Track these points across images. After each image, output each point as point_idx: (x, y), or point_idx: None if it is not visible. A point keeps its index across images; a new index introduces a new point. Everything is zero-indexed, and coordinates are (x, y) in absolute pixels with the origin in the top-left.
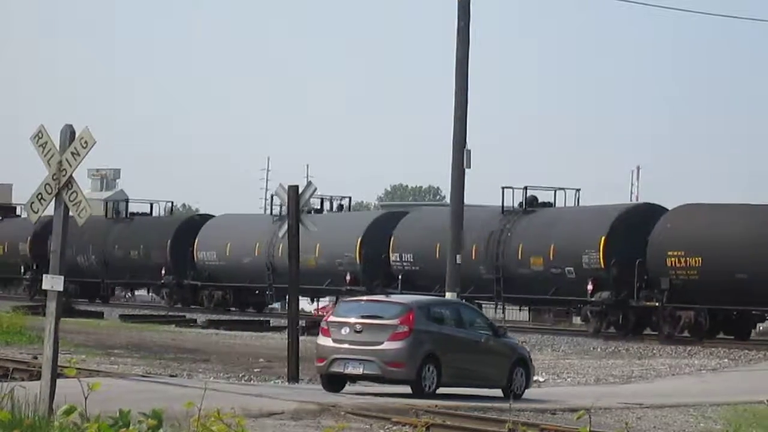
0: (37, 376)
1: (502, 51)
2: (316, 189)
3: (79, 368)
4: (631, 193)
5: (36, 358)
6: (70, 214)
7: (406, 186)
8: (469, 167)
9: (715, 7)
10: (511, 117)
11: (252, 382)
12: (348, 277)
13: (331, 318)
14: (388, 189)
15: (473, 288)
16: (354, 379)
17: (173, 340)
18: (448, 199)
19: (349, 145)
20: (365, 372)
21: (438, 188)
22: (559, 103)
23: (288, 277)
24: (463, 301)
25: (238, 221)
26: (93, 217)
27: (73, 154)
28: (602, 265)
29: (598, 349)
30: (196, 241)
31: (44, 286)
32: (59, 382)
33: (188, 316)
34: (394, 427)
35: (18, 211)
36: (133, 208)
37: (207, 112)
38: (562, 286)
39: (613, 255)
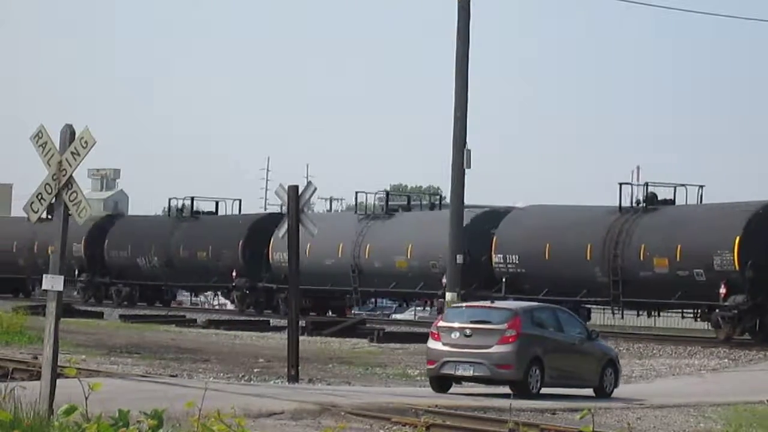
0: (37, 376)
1: (502, 51)
2: (316, 189)
3: (79, 368)
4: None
5: (36, 358)
6: (70, 213)
7: (406, 186)
8: (469, 167)
9: (715, 7)
10: (511, 117)
11: (252, 382)
12: (444, 280)
13: (441, 323)
14: (388, 189)
15: (586, 291)
16: (462, 380)
17: (173, 340)
18: (448, 200)
19: (349, 145)
20: (475, 374)
21: (438, 188)
22: (559, 104)
23: (289, 277)
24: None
25: (318, 220)
26: (157, 216)
27: (73, 154)
28: (736, 267)
29: None
30: (272, 241)
31: (44, 286)
32: (59, 382)
33: (188, 315)
34: (394, 427)
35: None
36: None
37: (207, 112)
38: (689, 290)
39: (749, 256)
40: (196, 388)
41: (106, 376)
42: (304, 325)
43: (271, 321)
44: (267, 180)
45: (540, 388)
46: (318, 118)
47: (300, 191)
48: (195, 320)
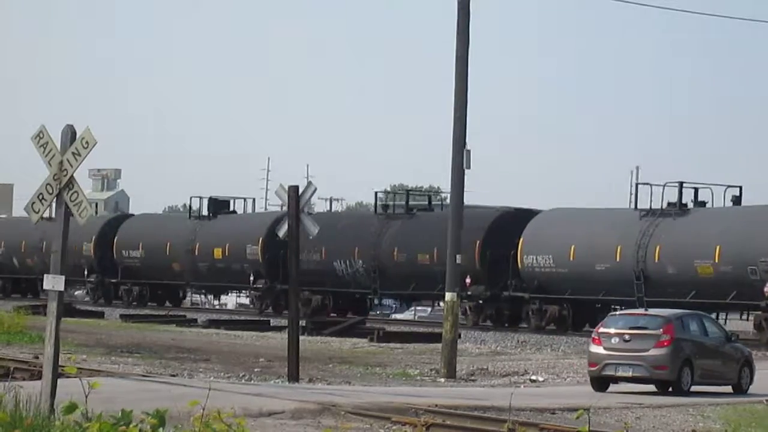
0: (38, 376)
1: (502, 51)
2: (316, 189)
3: (80, 368)
4: (630, 193)
5: (37, 357)
6: (71, 213)
7: (406, 186)
8: (469, 167)
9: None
10: (510, 117)
11: (252, 381)
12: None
13: (602, 329)
14: (388, 189)
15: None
16: (621, 380)
17: (174, 340)
18: (448, 200)
19: (350, 145)
20: (634, 374)
21: (438, 188)
22: (559, 103)
23: (289, 277)
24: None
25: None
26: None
27: (74, 154)
28: None
29: None
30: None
31: (45, 286)
32: (60, 381)
33: (189, 315)
34: (394, 427)
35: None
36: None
37: (207, 112)
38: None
39: None
40: (196, 387)
41: (107, 375)
42: (304, 324)
43: (271, 321)
44: (267, 180)
45: (690, 387)
46: (318, 118)
47: (300, 191)
48: (195, 320)
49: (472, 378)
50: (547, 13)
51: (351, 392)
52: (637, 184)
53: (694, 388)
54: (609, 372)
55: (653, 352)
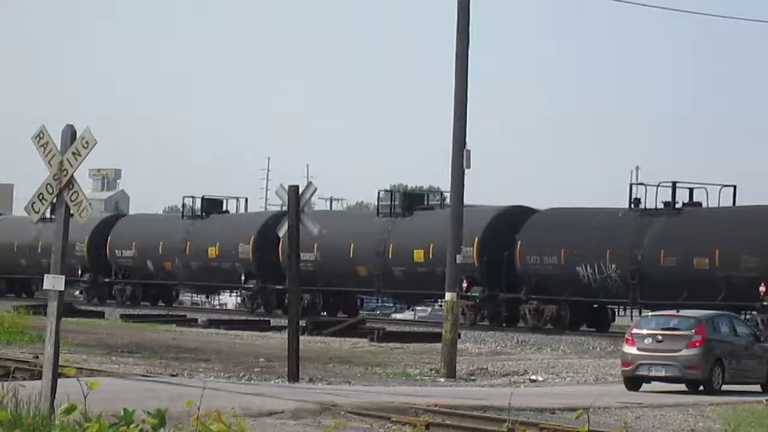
0: (38, 376)
1: (503, 51)
2: (316, 189)
3: (80, 368)
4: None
5: (37, 357)
6: (71, 213)
7: (406, 186)
8: (469, 167)
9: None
10: (510, 118)
11: (252, 381)
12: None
13: (635, 330)
14: (388, 189)
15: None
16: (654, 380)
17: (174, 340)
18: (448, 200)
19: (349, 145)
20: (667, 374)
21: (438, 188)
22: (559, 103)
23: (289, 277)
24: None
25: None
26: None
27: (74, 154)
28: None
29: (597, 349)
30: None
31: (45, 286)
32: (60, 381)
33: (189, 315)
34: (394, 427)
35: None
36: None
37: (207, 111)
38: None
39: None
40: (197, 387)
41: (107, 375)
42: (304, 324)
43: (271, 321)
44: (267, 180)
45: (721, 386)
46: (318, 118)
47: (300, 191)
48: (196, 320)
49: (472, 378)
50: (547, 13)
51: (351, 392)
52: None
53: (724, 387)
54: (642, 372)
55: (685, 352)
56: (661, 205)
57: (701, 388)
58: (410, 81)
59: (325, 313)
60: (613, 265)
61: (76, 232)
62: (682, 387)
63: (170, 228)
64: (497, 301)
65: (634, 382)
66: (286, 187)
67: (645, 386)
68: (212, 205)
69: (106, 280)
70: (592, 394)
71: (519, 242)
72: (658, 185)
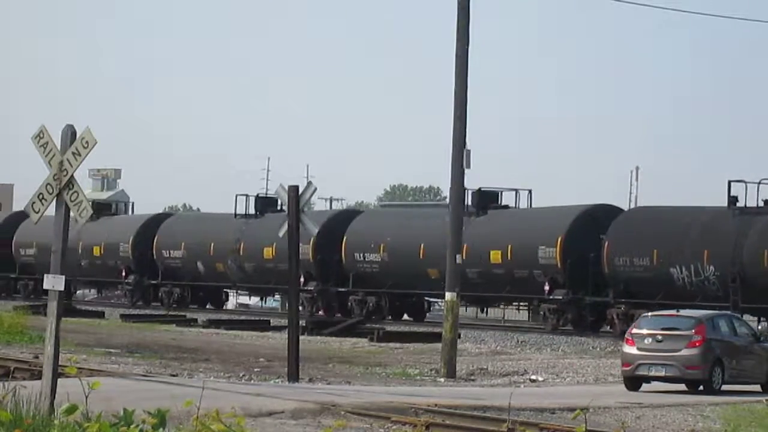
0: (38, 376)
1: (502, 52)
2: (316, 189)
3: (80, 368)
4: (630, 193)
5: (37, 357)
6: (71, 214)
7: (406, 186)
8: (469, 167)
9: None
10: (510, 117)
11: (252, 381)
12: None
13: (635, 330)
14: (388, 189)
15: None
16: (654, 380)
17: (174, 340)
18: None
19: (349, 145)
20: (667, 374)
21: (438, 188)
22: (558, 103)
23: (289, 277)
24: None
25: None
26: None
27: (74, 154)
28: None
29: (597, 349)
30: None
31: (45, 286)
32: (60, 381)
33: (189, 315)
34: (394, 427)
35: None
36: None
37: (207, 111)
38: None
39: None
40: (196, 387)
41: (107, 375)
42: (304, 324)
43: (271, 321)
44: (267, 180)
45: (721, 386)
46: (318, 118)
47: (300, 191)
48: (196, 320)
49: (472, 378)
50: (547, 13)
51: (351, 392)
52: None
53: (724, 387)
54: (642, 372)
55: (685, 352)
56: (761, 203)
57: (701, 388)
58: (410, 81)
59: (390, 317)
60: (712, 267)
61: (120, 232)
62: (682, 387)
63: (222, 228)
64: (582, 304)
65: (634, 382)
66: (286, 187)
67: (645, 386)
68: (267, 204)
69: (153, 282)
70: (592, 394)
71: (606, 242)
72: (759, 182)
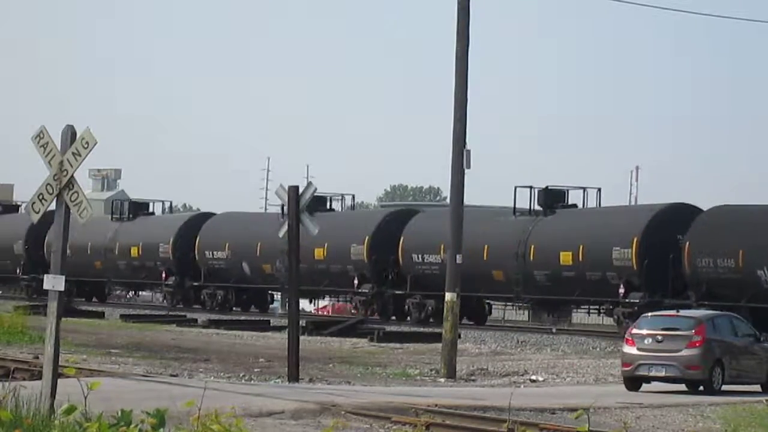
0: (38, 376)
1: (502, 52)
2: (316, 189)
3: (80, 368)
4: (630, 193)
5: (37, 357)
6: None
7: (406, 186)
8: (469, 167)
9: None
10: (510, 117)
11: (252, 381)
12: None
13: (635, 330)
14: (388, 189)
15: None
16: (654, 380)
17: (174, 340)
18: (448, 200)
19: (349, 145)
20: (667, 374)
21: (438, 188)
22: (559, 104)
23: (289, 277)
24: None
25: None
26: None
27: (74, 154)
28: None
29: (597, 349)
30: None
31: (45, 286)
32: (60, 381)
33: (189, 315)
34: (394, 427)
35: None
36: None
37: (207, 111)
38: None
39: None
40: (196, 387)
41: (107, 375)
42: (304, 324)
43: (271, 321)
44: (267, 180)
45: (721, 386)
46: (318, 118)
47: (300, 191)
48: (196, 320)
49: (472, 378)
50: (547, 13)
51: (351, 392)
52: None
53: (724, 388)
54: (642, 372)
55: (685, 352)
56: None
57: (701, 388)
58: (410, 81)
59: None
60: None
61: (160, 232)
62: (682, 387)
63: (268, 227)
64: (661, 307)
65: (634, 382)
66: (286, 187)
67: (645, 386)
68: (316, 203)
69: (195, 284)
70: (592, 395)
71: (687, 243)
72: None
